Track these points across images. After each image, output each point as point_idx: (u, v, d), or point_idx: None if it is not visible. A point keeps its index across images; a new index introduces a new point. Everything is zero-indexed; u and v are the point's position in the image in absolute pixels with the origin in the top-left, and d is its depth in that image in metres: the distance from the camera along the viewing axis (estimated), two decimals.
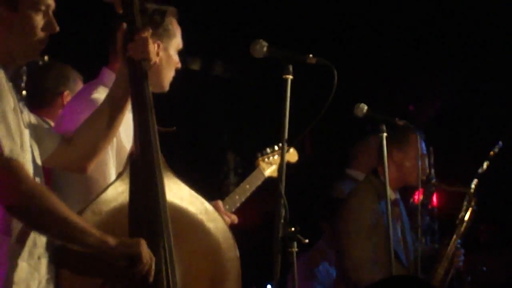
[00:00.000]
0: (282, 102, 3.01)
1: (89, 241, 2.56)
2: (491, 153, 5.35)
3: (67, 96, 4.16)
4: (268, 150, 4.53)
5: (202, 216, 2.93)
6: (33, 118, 2.79)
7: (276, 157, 4.50)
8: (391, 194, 5.02)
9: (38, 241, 2.58)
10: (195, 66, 7.44)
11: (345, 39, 7.47)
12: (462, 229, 5.15)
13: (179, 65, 3.44)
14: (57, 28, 2.67)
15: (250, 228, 3.35)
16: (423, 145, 5.02)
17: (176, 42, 3.37)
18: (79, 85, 4.16)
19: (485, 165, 5.31)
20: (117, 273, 2.63)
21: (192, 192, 2.94)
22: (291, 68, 3.04)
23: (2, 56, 2.60)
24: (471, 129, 7.68)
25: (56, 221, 2.52)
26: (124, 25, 2.88)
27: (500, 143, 5.37)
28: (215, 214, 2.98)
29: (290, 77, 3.03)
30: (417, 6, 7.30)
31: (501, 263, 7.08)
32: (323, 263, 5.63)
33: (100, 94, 3.21)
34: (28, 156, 2.59)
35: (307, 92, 5.80)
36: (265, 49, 3.05)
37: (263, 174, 4.46)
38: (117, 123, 2.89)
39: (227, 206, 3.99)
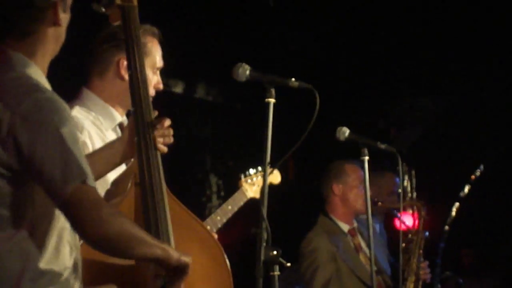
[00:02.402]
0: (264, 126, 3.00)
1: (157, 254, 2.56)
2: (472, 177, 5.38)
3: None
4: (251, 171, 4.53)
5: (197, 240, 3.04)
6: None
7: (259, 178, 4.50)
8: (343, 227, 5.09)
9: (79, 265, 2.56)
10: (178, 89, 7.44)
11: (328, 63, 7.49)
12: (419, 240, 5.17)
13: (160, 86, 3.43)
14: None
15: (231, 250, 3.32)
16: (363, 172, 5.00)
17: (152, 60, 3.33)
18: None
19: (466, 188, 5.33)
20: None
21: (190, 213, 3.05)
22: (273, 92, 3.04)
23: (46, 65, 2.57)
24: (453, 153, 7.71)
25: (135, 244, 2.49)
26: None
27: (482, 167, 5.39)
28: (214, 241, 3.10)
29: (272, 100, 3.03)
30: (400, 31, 7.35)
31: (483, 286, 7.09)
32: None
33: (77, 113, 3.21)
34: None
35: (289, 115, 5.81)
36: (247, 72, 3.03)
37: (245, 195, 4.46)
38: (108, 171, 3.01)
39: (208, 227, 3.98)
